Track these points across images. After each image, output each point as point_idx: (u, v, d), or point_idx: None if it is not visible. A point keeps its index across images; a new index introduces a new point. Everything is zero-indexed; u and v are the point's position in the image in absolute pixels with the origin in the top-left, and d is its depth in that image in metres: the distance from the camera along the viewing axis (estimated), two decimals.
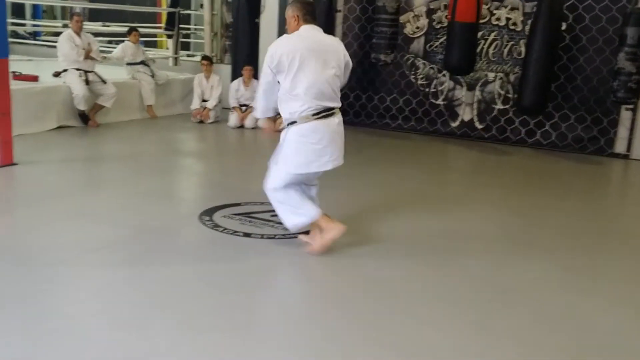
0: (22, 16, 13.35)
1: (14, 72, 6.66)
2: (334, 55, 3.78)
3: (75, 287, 3.35)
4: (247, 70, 8.39)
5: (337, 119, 3.81)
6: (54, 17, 14.93)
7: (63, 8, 14.64)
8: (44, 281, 3.35)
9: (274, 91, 3.76)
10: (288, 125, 3.76)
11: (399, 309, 3.24)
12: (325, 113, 3.71)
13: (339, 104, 3.83)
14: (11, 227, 4.29)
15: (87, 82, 7.59)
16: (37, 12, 13.99)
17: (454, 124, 8.48)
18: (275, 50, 3.65)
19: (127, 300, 3.20)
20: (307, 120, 3.68)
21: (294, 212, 3.84)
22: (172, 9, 10.30)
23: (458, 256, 4.08)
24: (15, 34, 12.09)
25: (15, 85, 5.97)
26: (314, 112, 3.68)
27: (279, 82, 3.73)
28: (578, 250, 4.33)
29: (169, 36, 10.56)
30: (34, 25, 13.41)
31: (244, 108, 8.45)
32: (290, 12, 3.75)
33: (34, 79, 7.59)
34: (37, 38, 12.83)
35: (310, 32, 3.75)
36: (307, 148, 3.72)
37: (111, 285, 3.39)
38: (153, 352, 2.71)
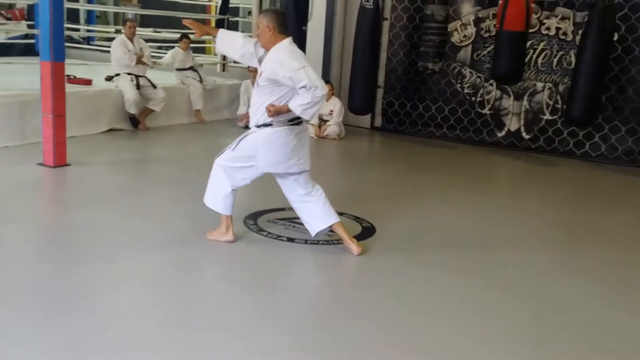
0: (77, 21, 13.75)
1: (68, 76, 6.85)
2: None
3: (126, 285, 3.44)
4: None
5: (305, 127, 3.99)
6: (107, 23, 15.36)
7: (115, 14, 15.05)
8: (96, 279, 3.46)
9: None
10: (261, 126, 3.85)
11: (444, 321, 3.23)
12: (297, 120, 3.84)
13: None
14: (66, 226, 4.44)
15: (138, 86, 7.77)
16: (91, 17, 14.40)
17: (500, 134, 8.37)
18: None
19: (175, 299, 3.28)
20: (283, 125, 3.80)
21: (219, 194, 4.01)
22: (221, 16, 10.47)
23: (501, 267, 4.03)
24: (70, 39, 12.45)
25: (69, 88, 6.16)
26: (290, 118, 3.80)
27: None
28: (628, 266, 4.22)
29: None
30: (88, 31, 13.79)
31: None
32: (264, 22, 3.75)
33: (88, 82, 7.81)
34: (91, 43, 13.19)
35: (295, 46, 3.83)
36: (277, 150, 3.85)
37: (160, 284, 3.48)
38: (201, 349, 2.76)
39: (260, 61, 3.90)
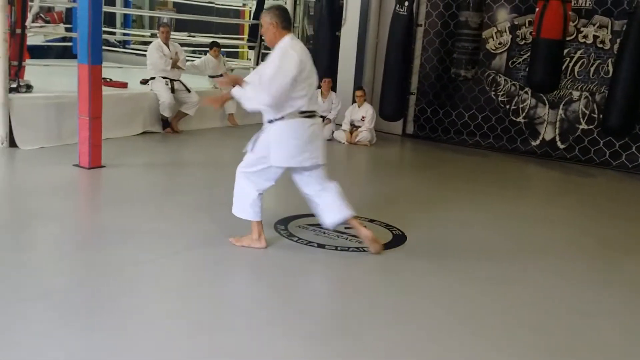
0: (113, 25, 13.97)
1: (104, 79, 6.96)
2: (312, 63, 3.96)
3: (157, 287, 3.47)
4: (325, 82, 8.46)
5: (318, 121, 4.02)
6: (143, 27, 15.58)
7: (151, 18, 15.26)
8: (127, 280, 3.49)
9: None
10: (272, 121, 3.86)
11: (475, 331, 3.19)
12: (310, 113, 3.89)
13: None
14: (100, 226, 4.50)
15: (172, 90, 7.86)
16: (127, 21, 14.62)
17: (535, 143, 8.26)
18: (299, 59, 3.74)
19: (204, 303, 3.30)
20: (294, 117, 3.82)
21: (246, 202, 3.99)
22: (255, 21, 10.52)
23: (533, 278, 3.97)
24: (107, 42, 12.64)
25: (105, 91, 6.24)
26: (302, 110, 3.84)
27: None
28: None
29: (251, 47, 10.81)
30: (124, 34, 14.00)
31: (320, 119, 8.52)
32: (268, 19, 3.83)
33: (123, 85, 7.92)
34: (127, 46, 13.39)
35: (299, 42, 3.91)
36: (290, 143, 3.86)
37: (190, 287, 3.49)
38: (229, 354, 2.77)
39: None
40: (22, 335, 2.79)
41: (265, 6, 9.50)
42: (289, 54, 3.75)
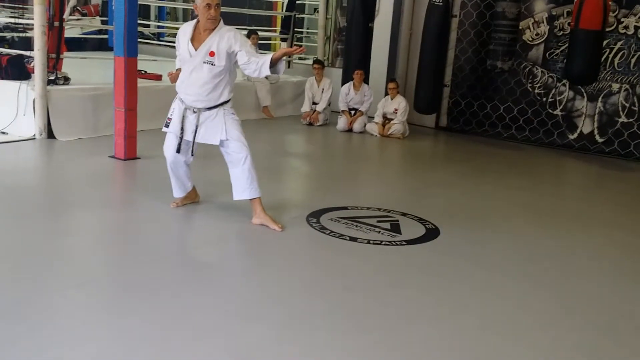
0: (148, 18, 14.09)
1: (139, 71, 6.99)
2: None
3: (191, 278, 3.49)
4: (358, 74, 8.42)
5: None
6: (176, 19, 15.69)
7: (185, 10, 15.36)
8: (163, 271, 3.52)
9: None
10: (225, 103, 4.32)
11: (506, 329, 3.14)
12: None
13: None
14: (135, 217, 4.55)
15: None
16: (162, 14, 14.73)
17: (572, 136, 8.09)
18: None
19: (238, 294, 3.32)
20: None
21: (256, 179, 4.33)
22: (288, 13, 10.52)
23: (568, 275, 3.90)
24: (141, 35, 12.74)
25: (140, 83, 6.28)
26: None
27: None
28: None
29: (284, 39, 10.80)
30: (158, 27, 14.10)
31: (352, 112, 8.49)
32: (200, 2, 4.07)
33: (158, 77, 7.99)
34: (161, 39, 13.49)
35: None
36: None
37: (223, 279, 3.51)
38: (264, 343, 2.78)
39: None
40: (62, 323, 2.84)
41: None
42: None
